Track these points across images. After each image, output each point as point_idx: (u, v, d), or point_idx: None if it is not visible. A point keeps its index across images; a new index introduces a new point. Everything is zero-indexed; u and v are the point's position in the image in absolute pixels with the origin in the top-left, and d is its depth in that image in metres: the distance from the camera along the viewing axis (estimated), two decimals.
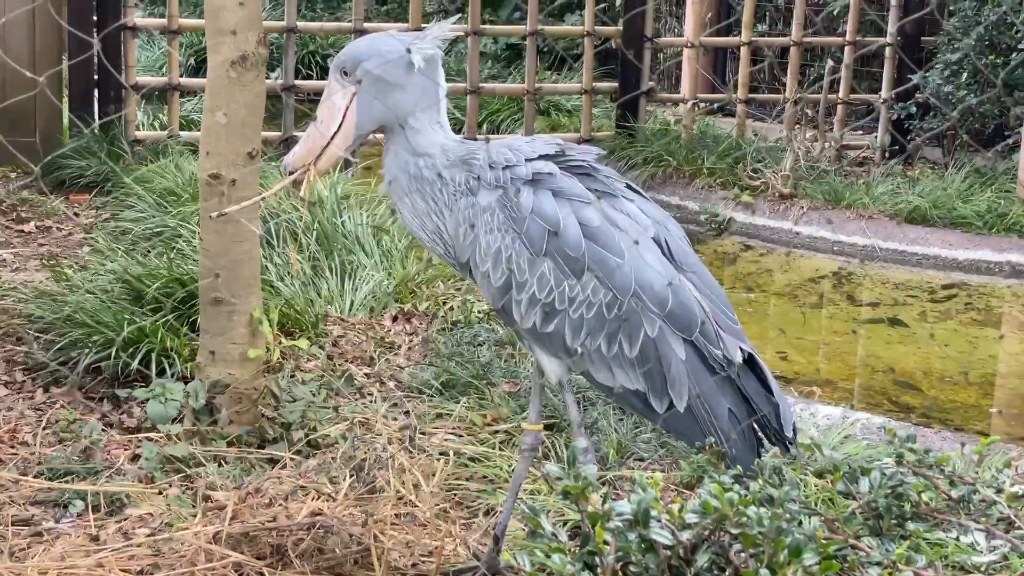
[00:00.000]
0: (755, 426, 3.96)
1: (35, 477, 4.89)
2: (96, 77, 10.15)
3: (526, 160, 3.89)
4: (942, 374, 7.58)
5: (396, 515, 4.49)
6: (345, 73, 3.96)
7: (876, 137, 12.02)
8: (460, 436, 5.39)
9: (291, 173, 4.09)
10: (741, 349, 3.90)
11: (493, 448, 5.29)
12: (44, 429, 5.30)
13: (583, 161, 3.96)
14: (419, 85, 3.92)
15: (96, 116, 10.08)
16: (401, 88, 3.92)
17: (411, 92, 3.93)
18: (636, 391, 3.86)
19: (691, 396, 3.82)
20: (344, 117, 3.99)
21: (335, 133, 4.00)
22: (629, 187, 4.03)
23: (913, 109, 11.52)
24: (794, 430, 3.96)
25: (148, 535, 4.46)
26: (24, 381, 5.77)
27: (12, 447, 5.15)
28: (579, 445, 4.00)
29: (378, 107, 3.95)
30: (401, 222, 4.23)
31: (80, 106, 10.08)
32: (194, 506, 4.69)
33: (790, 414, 3.96)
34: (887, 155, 11.76)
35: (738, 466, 3.74)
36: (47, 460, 5.00)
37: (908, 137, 11.51)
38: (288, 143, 10.53)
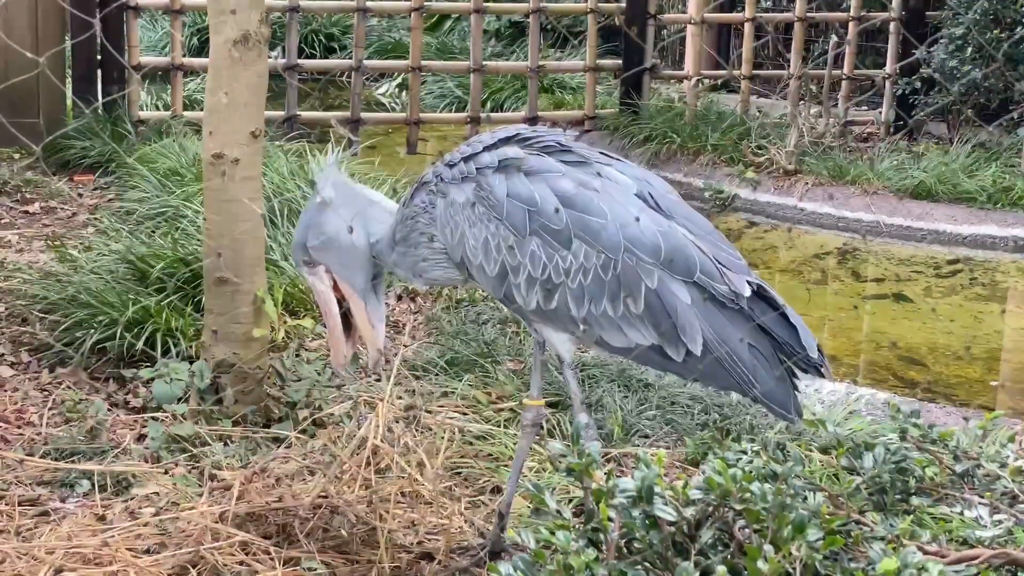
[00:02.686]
0: (781, 356, 3.91)
1: (41, 457, 4.90)
2: (99, 58, 10.15)
3: (486, 148, 3.95)
4: (947, 349, 7.58)
5: (401, 494, 4.49)
6: (308, 263, 4.15)
7: (880, 113, 12.00)
8: (465, 414, 5.39)
9: (357, 365, 4.47)
10: (749, 282, 3.86)
11: (498, 426, 5.29)
12: (50, 409, 5.31)
13: (550, 140, 3.99)
14: (348, 207, 4.09)
15: (99, 97, 10.08)
16: (344, 232, 4.08)
17: (348, 221, 4.08)
18: (652, 346, 3.84)
19: (706, 338, 3.79)
20: (345, 294, 4.15)
21: (347, 310, 4.17)
22: (603, 155, 4.05)
23: (918, 85, 11.49)
24: (819, 351, 3.90)
25: (154, 514, 4.47)
26: (30, 362, 5.78)
27: (18, 427, 5.17)
28: (581, 421, 4.00)
29: (349, 260, 4.11)
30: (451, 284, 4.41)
31: (83, 87, 10.08)
32: (200, 485, 4.71)
33: (810, 336, 3.91)
34: (891, 131, 11.75)
35: (769, 402, 3.83)
36: (53, 440, 5.01)
37: (913, 113, 11.48)
38: (291, 122, 10.54)
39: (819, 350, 3.90)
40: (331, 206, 4.07)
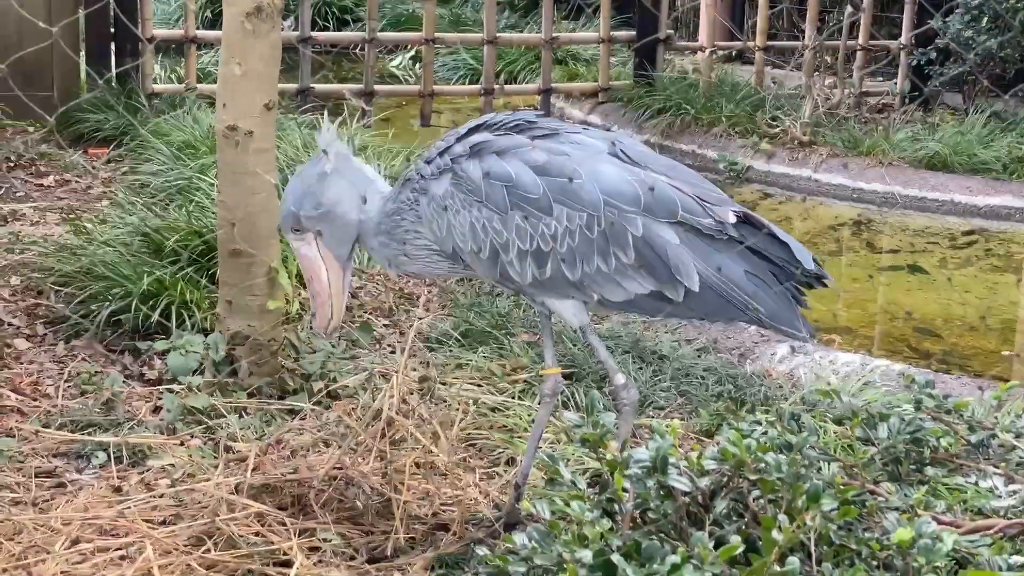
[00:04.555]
0: (780, 277, 3.94)
1: (57, 429, 4.92)
2: (112, 31, 10.13)
3: (458, 139, 4.02)
4: (962, 320, 7.57)
5: (416, 465, 4.50)
6: (296, 231, 4.15)
7: (896, 83, 11.95)
8: (479, 386, 5.40)
9: (330, 331, 4.34)
10: (734, 212, 3.91)
11: (512, 398, 5.30)
12: (65, 381, 5.33)
13: (518, 119, 4.07)
14: (347, 180, 4.11)
15: (112, 70, 10.06)
16: (339, 202, 4.10)
17: (347, 194, 4.11)
18: (650, 292, 3.90)
19: (701, 273, 3.84)
20: (324, 260, 4.18)
21: (328, 278, 4.19)
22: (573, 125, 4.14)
23: (933, 55, 11.43)
24: (815, 262, 3.95)
25: (170, 486, 4.49)
26: (45, 334, 5.79)
27: (34, 399, 5.19)
28: (619, 380, 4.06)
29: (341, 230, 4.14)
30: (431, 278, 4.38)
31: (96, 60, 10.07)
32: (215, 457, 4.72)
33: (804, 250, 3.96)
34: (907, 101, 11.69)
35: (777, 323, 3.89)
36: (69, 412, 5.03)
37: (928, 83, 11.43)
38: (304, 94, 10.53)
39: (815, 261, 3.96)
40: (332, 175, 4.09)
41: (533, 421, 4.93)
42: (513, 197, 3.88)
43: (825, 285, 4.02)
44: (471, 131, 4.04)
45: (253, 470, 4.49)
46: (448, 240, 4.00)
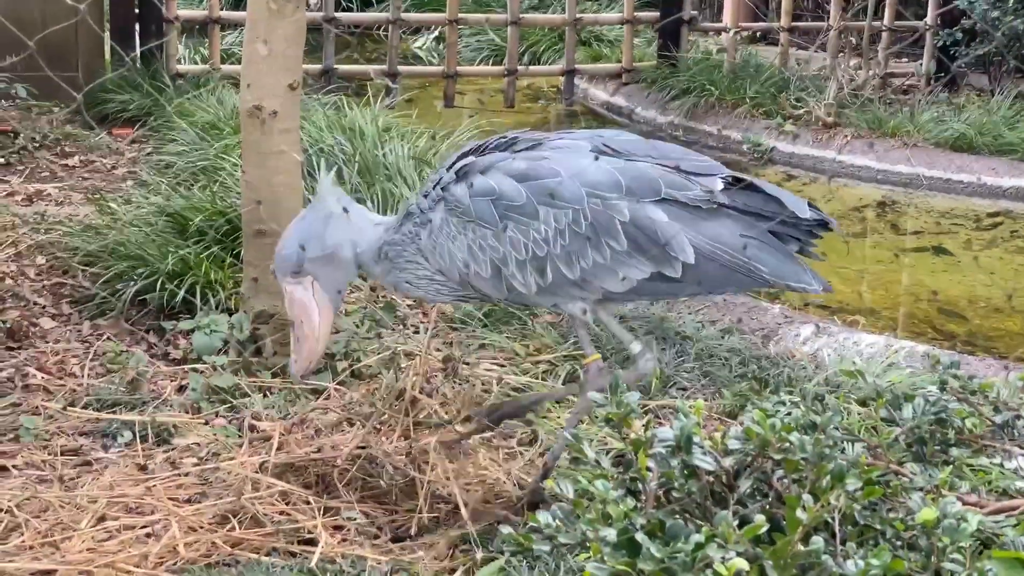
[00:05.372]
0: (781, 234, 3.93)
1: (83, 408, 4.94)
2: (137, 11, 10.15)
3: (448, 168, 4.09)
4: (987, 302, 7.54)
5: (440, 444, 4.51)
6: (296, 273, 4.19)
7: (921, 64, 11.89)
8: (503, 366, 5.40)
9: (304, 377, 4.42)
10: (722, 178, 3.91)
11: (536, 378, 5.30)
12: (91, 360, 5.35)
13: (500, 139, 4.13)
14: (345, 222, 4.20)
15: (137, 51, 10.08)
16: (341, 244, 4.18)
17: (347, 235, 4.19)
18: (651, 275, 3.90)
19: (695, 244, 3.84)
20: (319, 305, 4.20)
21: (319, 322, 4.21)
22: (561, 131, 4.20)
23: (959, 35, 11.37)
24: (812, 207, 3.93)
25: (195, 465, 4.51)
26: (71, 314, 5.82)
27: (60, 378, 5.21)
28: (634, 349, 4.10)
29: (340, 273, 4.23)
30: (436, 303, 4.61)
31: (121, 41, 10.09)
32: (240, 436, 4.74)
33: (798, 200, 3.94)
34: (932, 82, 11.63)
35: (783, 280, 3.87)
36: (95, 391, 5.05)
37: (954, 64, 11.37)
38: (328, 75, 10.53)
39: (812, 207, 3.93)
40: (335, 218, 4.17)
41: (557, 402, 4.94)
42: (499, 209, 3.93)
43: (830, 230, 3.99)
44: (458, 158, 4.11)
45: (277, 449, 4.51)
46: (453, 269, 4.06)
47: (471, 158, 4.07)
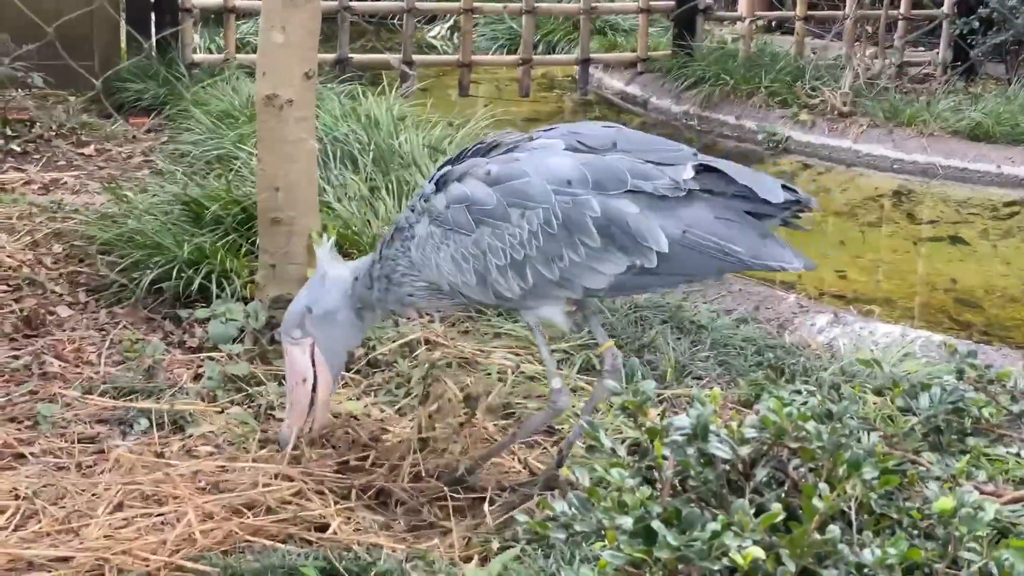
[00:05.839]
0: (758, 214, 3.90)
1: (100, 395, 4.96)
2: (153, 0, 10.16)
3: (430, 181, 4.12)
4: (1003, 292, 7.52)
5: (456, 432, 4.51)
6: (299, 330, 4.27)
7: (937, 53, 11.85)
8: (517, 355, 5.40)
9: (294, 446, 4.39)
10: (694, 166, 3.88)
11: None
12: (108, 348, 5.36)
13: (479, 144, 4.15)
14: (335, 278, 4.30)
15: (153, 40, 10.09)
16: (343, 309, 4.28)
17: (340, 290, 4.28)
18: (628, 267, 3.88)
19: (667, 233, 3.83)
20: (317, 370, 4.26)
21: (315, 386, 4.27)
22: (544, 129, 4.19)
23: (976, 24, 11.33)
24: (788, 188, 3.87)
25: (211, 453, 4.52)
26: (87, 302, 5.83)
27: (77, 366, 5.22)
28: (555, 384, 4.16)
29: (340, 338, 4.31)
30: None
31: (136, 30, 10.09)
32: (258, 422, 4.74)
33: (770, 184, 3.88)
34: (949, 71, 11.60)
35: (762, 261, 3.83)
36: (111, 379, 5.07)
37: (971, 53, 11.33)
38: (343, 64, 10.53)
39: (788, 188, 3.87)
40: (331, 280, 4.27)
41: (573, 391, 4.94)
42: (473, 214, 3.95)
43: (810, 208, 3.93)
44: (440, 167, 4.14)
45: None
46: (442, 280, 4.09)
47: (448, 167, 4.10)
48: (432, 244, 4.05)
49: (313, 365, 4.25)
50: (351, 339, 4.39)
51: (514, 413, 4.90)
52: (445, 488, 4.23)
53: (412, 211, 4.15)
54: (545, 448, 4.66)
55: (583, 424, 4.18)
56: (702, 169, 3.89)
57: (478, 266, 3.97)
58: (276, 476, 4.24)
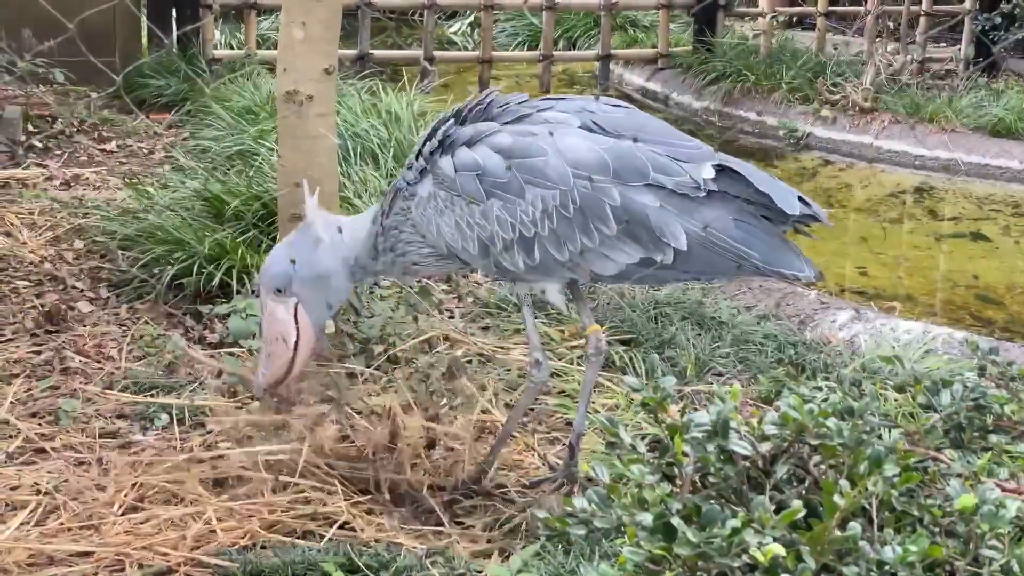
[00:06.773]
0: (774, 219, 3.90)
1: (121, 391, 4.97)
2: None
3: (428, 139, 4.05)
4: None
5: (476, 428, 4.52)
6: (279, 291, 4.12)
7: (959, 49, 11.80)
8: None
9: (270, 393, 4.34)
10: (713, 166, 3.87)
11: (571, 363, 5.30)
12: (129, 344, 5.38)
13: (478, 104, 4.07)
14: (331, 247, 4.15)
15: (174, 36, 10.11)
16: (337, 272, 4.16)
17: (336, 256, 4.16)
18: (641, 260, 3.88)
19: (687, 230, 3.82)
20: (298, 325, 4.14)
21: (296, 342, 4.15)
22: (547, 98, 4.13)
23: (998, 20, 11.28)
24: (804, 201, 3.88)
25: (231, 448, 4.53)
26: (108, 297, 5.84)
27: (98, 362, 5.24)
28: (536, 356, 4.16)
29: (328, 298, 4.18)
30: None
31: (157, 26, 10.11)
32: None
33: (788, 194, 3.88)
34: (971, 67, 11.55)
35: (774, 267, 3.85)
36: (132, 374, 5.08)
37: (993, 49, 11.29)
38: (363, 60, 10.54)
39: (804, 201, 3.88)
40: (326, 244, 4.13)
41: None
42: (485, 184, 3.89)
43: (819, 220, 3.94)
44: (440, 123, 4.06)
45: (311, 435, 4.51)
46: (440, 241, 4.03)
47: (453, 128, 4.02)
48: (435, 206, 3.99)
49: (296, 323, 4.15)
50: (339, 299, 4.29)
51: (533, 409, 4.91)
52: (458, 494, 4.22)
53: (410, 169, 4.09)
54: (562, 445, 4.65)
55: (583, 413, 4.18)
56: (721, 169, 3.88)
57: (483, 235, 3.93)
58: (295, 472, 4.24)
